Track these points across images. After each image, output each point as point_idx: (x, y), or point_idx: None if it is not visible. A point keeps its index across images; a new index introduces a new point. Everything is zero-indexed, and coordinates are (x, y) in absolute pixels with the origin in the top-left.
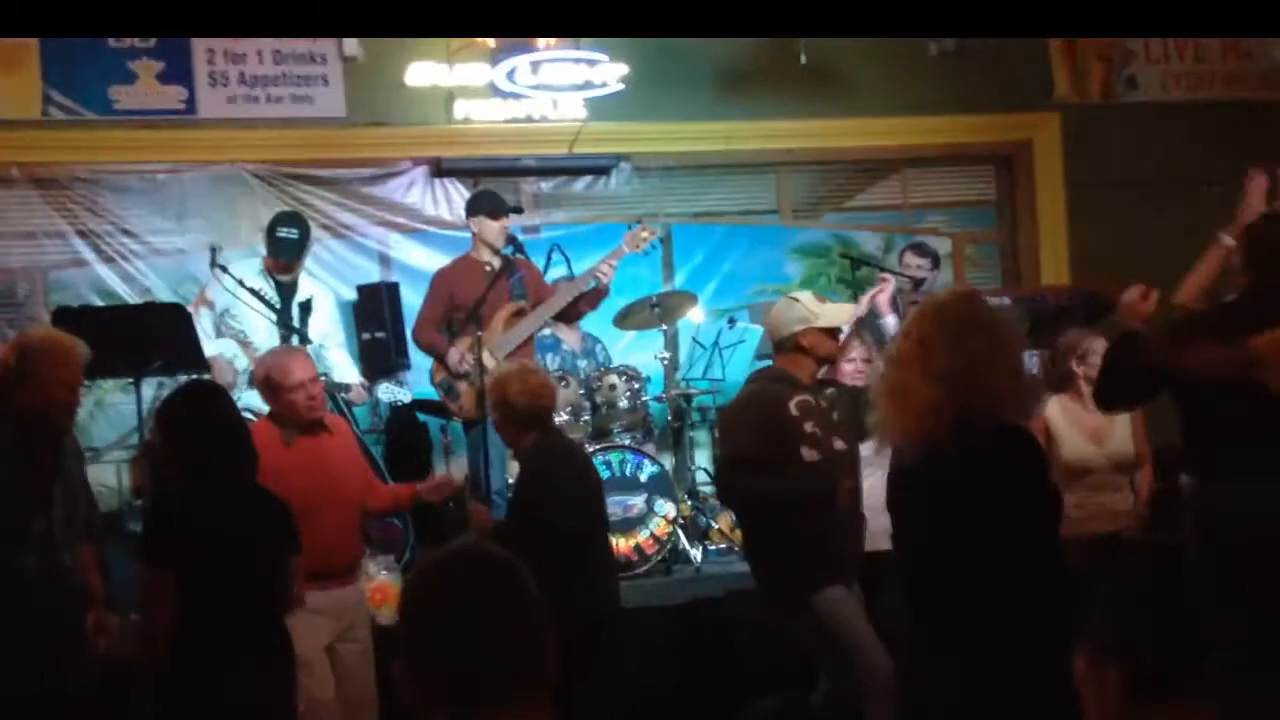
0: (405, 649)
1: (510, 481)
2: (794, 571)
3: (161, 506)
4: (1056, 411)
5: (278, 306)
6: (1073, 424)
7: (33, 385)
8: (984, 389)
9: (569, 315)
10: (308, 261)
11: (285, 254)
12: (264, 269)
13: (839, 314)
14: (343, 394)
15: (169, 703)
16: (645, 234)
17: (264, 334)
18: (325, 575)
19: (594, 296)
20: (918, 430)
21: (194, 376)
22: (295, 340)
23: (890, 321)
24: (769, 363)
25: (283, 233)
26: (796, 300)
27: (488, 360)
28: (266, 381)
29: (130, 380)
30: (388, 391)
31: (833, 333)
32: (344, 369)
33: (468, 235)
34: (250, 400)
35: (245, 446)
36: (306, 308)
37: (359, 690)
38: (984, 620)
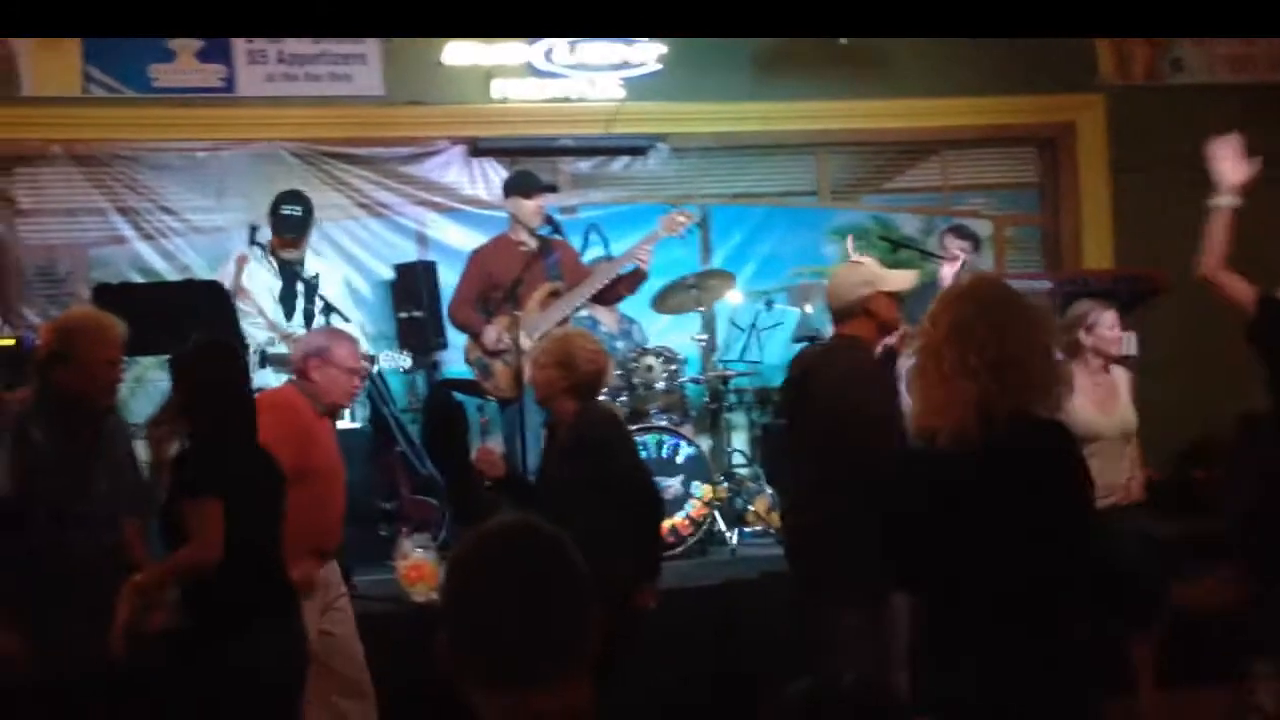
0: (448, 624)
1: None
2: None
3: (202, 448)
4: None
5: (295, 281)
6: (1081, 391)
7: (73, 365)
8: (1018, 380)
9: (607, 298)
10: (343, 239)
11: (289, 230)
12: (267, 248)
13: (905, 279)
14: None
15: (196, 660)
16: (681, 218)
17: (270, 313)
18: (328, 550)
19: (632, 280)
20: (949, 424)
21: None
22: (300, 317)
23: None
24: (806, 344)
25: (286, 210)
26: (861, 263)
27: (523, 340)
28: (323, 353)
29: (169, 357)
30: (389, 359)
31: (897, 298)
32: None
33: (505, 215)
34: (263, 380)
35: (252, 407)
36: (313, 284)
37: (353, 659)
38: (1012, 617)
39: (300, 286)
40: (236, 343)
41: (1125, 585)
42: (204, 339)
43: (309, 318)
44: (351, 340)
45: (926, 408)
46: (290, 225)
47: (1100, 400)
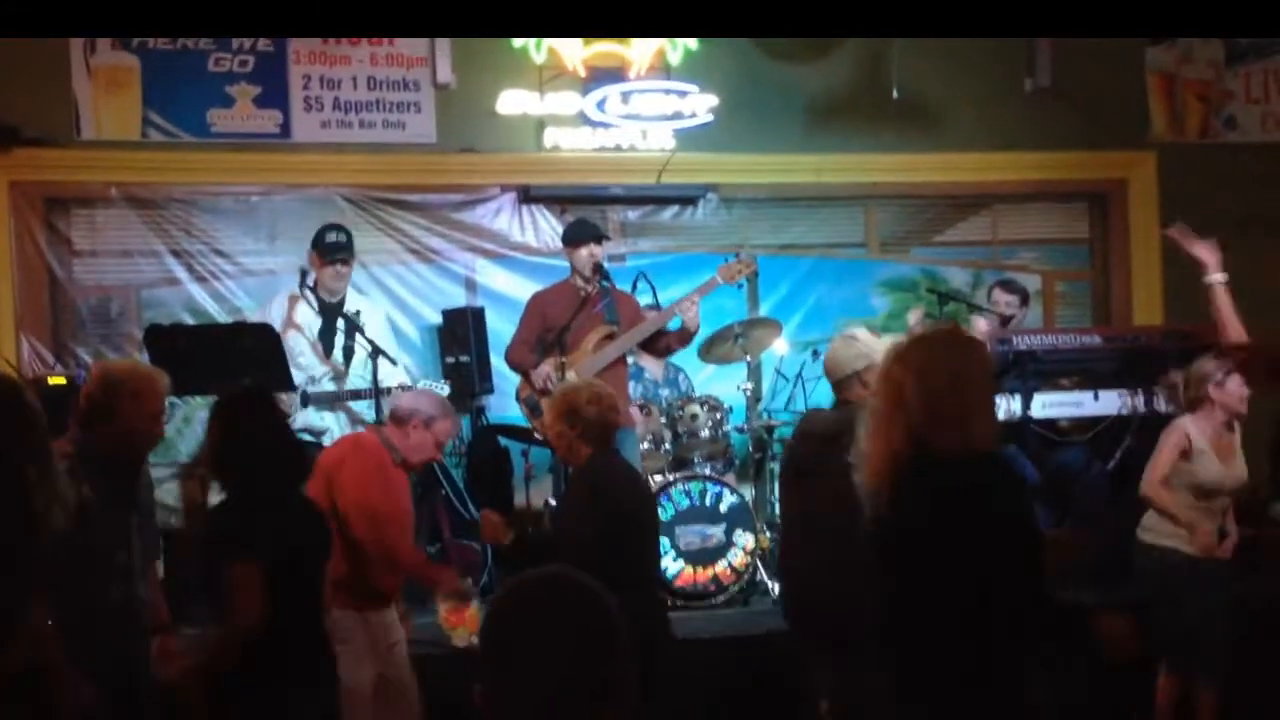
0: (487, 672)
1: None
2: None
3: (231, 510)
4: (1195, 430)
5: (338, 320)
6: (1208, 445)
7: (117, 418)
8: (946, 420)
9: (659, 349)
10: (392, 283)
11: (337, 253)
12: (308, 288)
13: None
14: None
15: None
16: (740, 267)
17: (310, 350)
18: (390, 596)
19: (683, 335)
20: (885, 469)
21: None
22: (340, 354)
23: None
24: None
25: (331, 237)
26: (855, 338)
27: (573, 380)
28: (429, 421)
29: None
30: (428, 386)
31: None
32: (389, 374)
33: (553, 262)
34: (306, 420)
35: (295, 456)
36: (353, 322)
37: (410, 702)
38: (961, 662)
39: (341, 323)
40: (285, 387)
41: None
42: (238, 388)
43: (348, 355)
44: (454, 415)
45: (870, 455)
46: (337, 249)
47: (1224, 455)
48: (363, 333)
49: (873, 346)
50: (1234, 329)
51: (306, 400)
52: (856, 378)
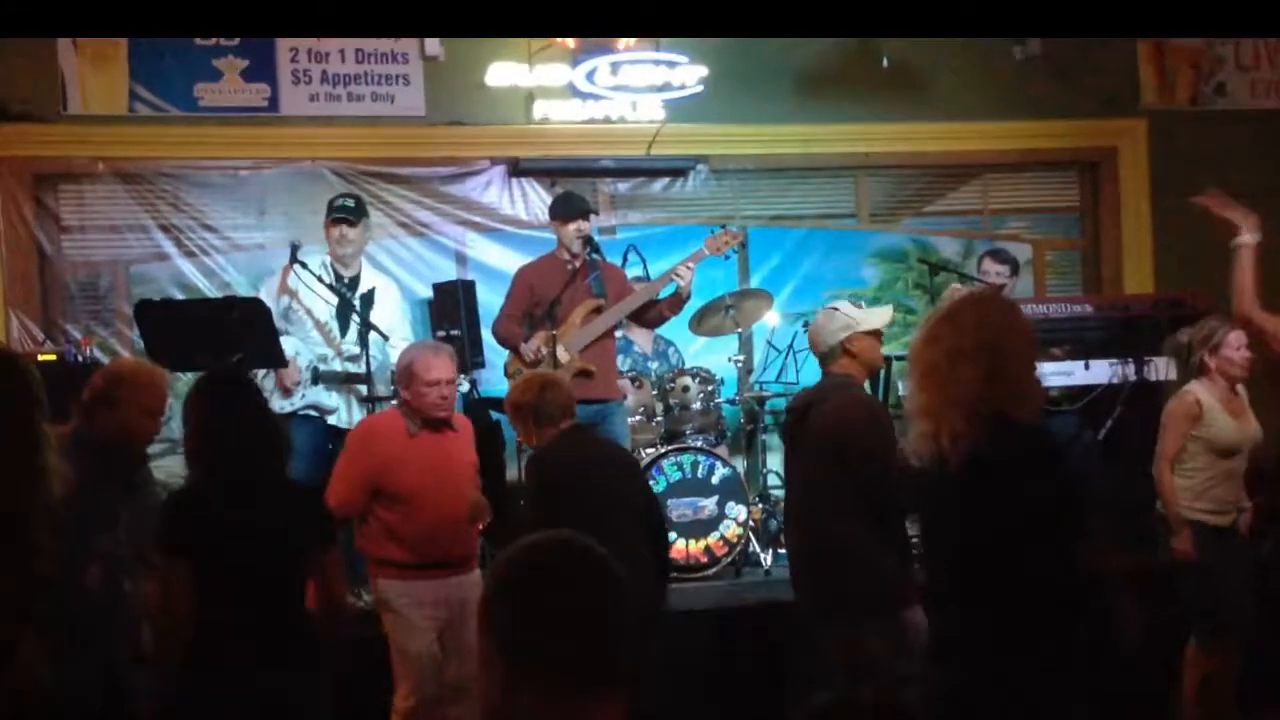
0: (491, 635)
1: None
2: (893, 582)
3: (179, 500)
4: (1204, 394)
5: (346, 297)
6: (1221, 404)
7: (118, 410)
8: (1008, 389)
9: (650, 319)
10: (383, 257)
11: (348, 214)
12: (327, 263)
13: (881, 316)
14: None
15: (181, 703)
16: (727, 238)
17: (327, 329)
18: (436, 565)
19: (674, 302)
20: (950, 436)
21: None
22: (354, 334)
23: None
24: None
25: (340, 201)
26: (836, 309)
27: (562, 355)
28: (406, 370)
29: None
30: None
31: (878, 335)
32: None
33: (543, 235)
34: (316, 397)
35: (267, 440)
36: (369, 299)
37: (467, 666)
38: (1016, 614)
39: (357, 302)
40: (276, 362)
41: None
42: (208, 372)
43: (364, 334)
44: (432, 351)
45: (923, 415)
46: (347, 210)
47: (1236, 414)
48: (361, 310)
49: (855, 316)
50: (1248, 298)
51: (317, 378)
52: (841, 348)
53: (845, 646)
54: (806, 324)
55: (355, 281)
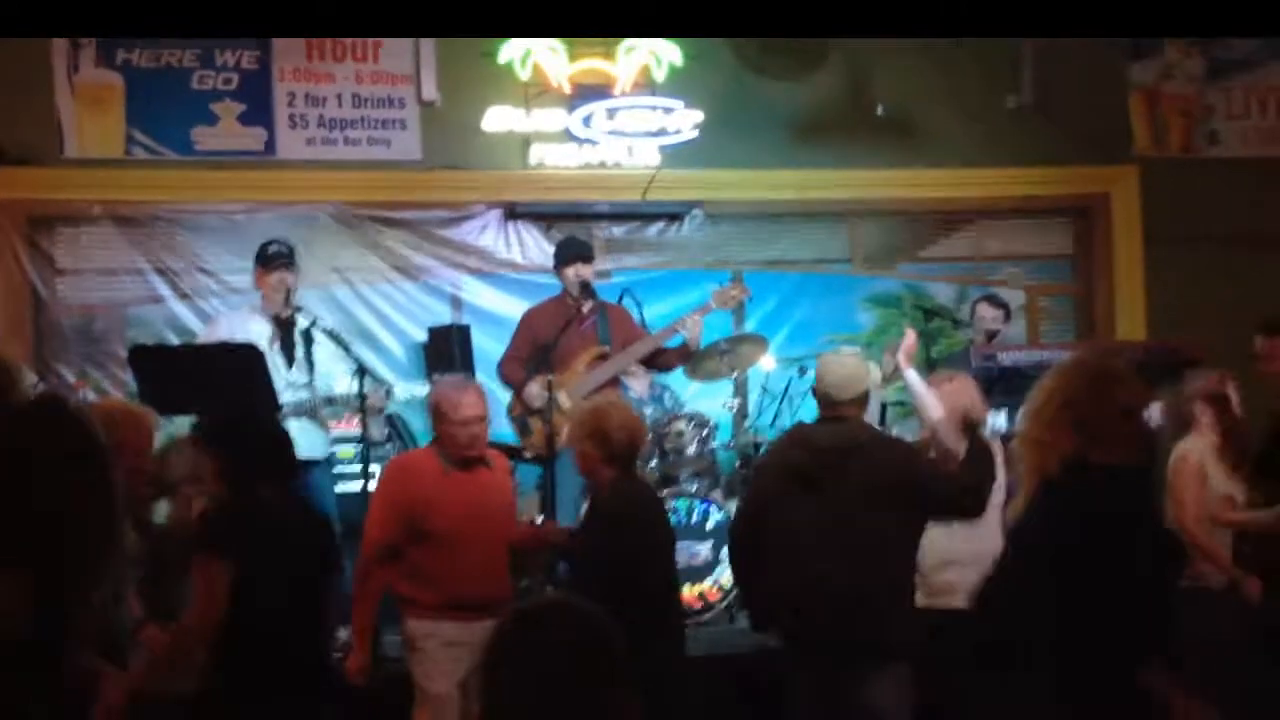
0: (487, 697)
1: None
2: (908, 625)
3: (226, 506)
4: (1201, 448)
5: (295, 334)
6: (1217, 458)
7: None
8: (1094, 432)
9: (658, 365)
10: (377, 300)
11: (278, 259)
12: (259, 310)
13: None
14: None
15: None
16: (734, 292)
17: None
18: (467, 608)
19: (684, 353)
20: (1043, 476)
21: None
22: (303, 365)
23: (911, 375)
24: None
25: (273, 248)
26: (866, 360)
27: (564, 400)
28: (436, 409)
29: (199, 420)
30: (406, 390)
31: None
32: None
33: (539, 279)
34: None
35: (287, 460)
36: (308, 336)
37: None
38: (1106, 659)
39: (297, 335)
40: (270, 408)
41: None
42: (236, 408)
43: (310, 364)
44: (459, 389)
45: (1029, 464)
46: (278, 257)
47: (1230, 467)
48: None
49: (875, 375)
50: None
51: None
52: (862, 399)
53: (858, 692)
54: (802, 369)
55: (291, 322)
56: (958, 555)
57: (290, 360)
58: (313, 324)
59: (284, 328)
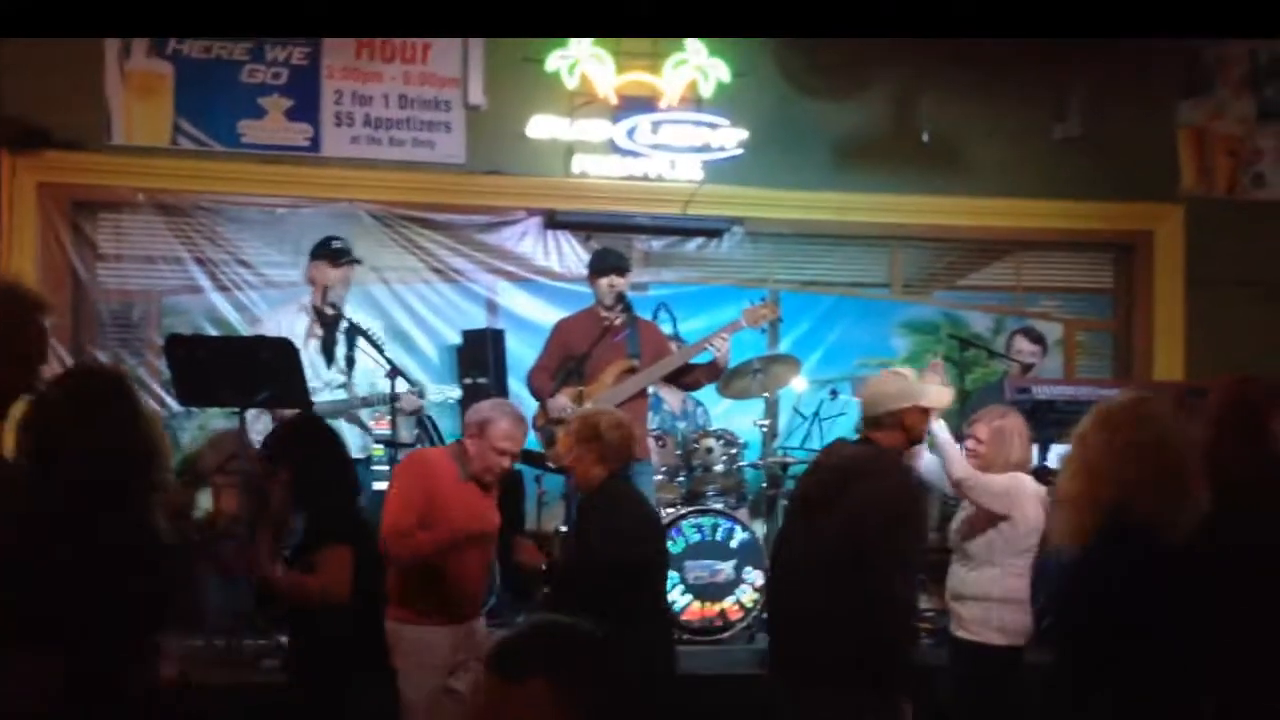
0: None
1: None
2: (901, 651)
3: (336, 500)
4: None
5: (338, 334)
6: None
7: None
8: (1132, 493)
9: (687, 384)
10: (413, 301)
11: (343, 257)
12: (309, 306)
13: (942, 396)
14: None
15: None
16: (765, 311)
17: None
18: (456, 612)
19: (712, 370)
20: (1077, 531)
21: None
22: (343, 363)
23: (938, 427)
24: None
25: (337, 244)
26: (902, 375)
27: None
28: (480, 425)
29: (235, 410)
30: (438, 392)
31: (928, 413)
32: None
33: (575, 288)
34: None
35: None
36: (351, 335)
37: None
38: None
39: (342, 334)
40: (302, 402)
41: None
42: (299, 415)
43: (350, 364)
44: (514, 419)
45: (1063, 516)
46: (344, 253)
47: None
48: (368, 338)
49: (919, 390)
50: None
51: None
52: (897, 418)
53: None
54: (834, 392)
55: (337, 321)
56: (988, 591)
57: (329, 359)
58: (354, 323)
59: (327, 326)
